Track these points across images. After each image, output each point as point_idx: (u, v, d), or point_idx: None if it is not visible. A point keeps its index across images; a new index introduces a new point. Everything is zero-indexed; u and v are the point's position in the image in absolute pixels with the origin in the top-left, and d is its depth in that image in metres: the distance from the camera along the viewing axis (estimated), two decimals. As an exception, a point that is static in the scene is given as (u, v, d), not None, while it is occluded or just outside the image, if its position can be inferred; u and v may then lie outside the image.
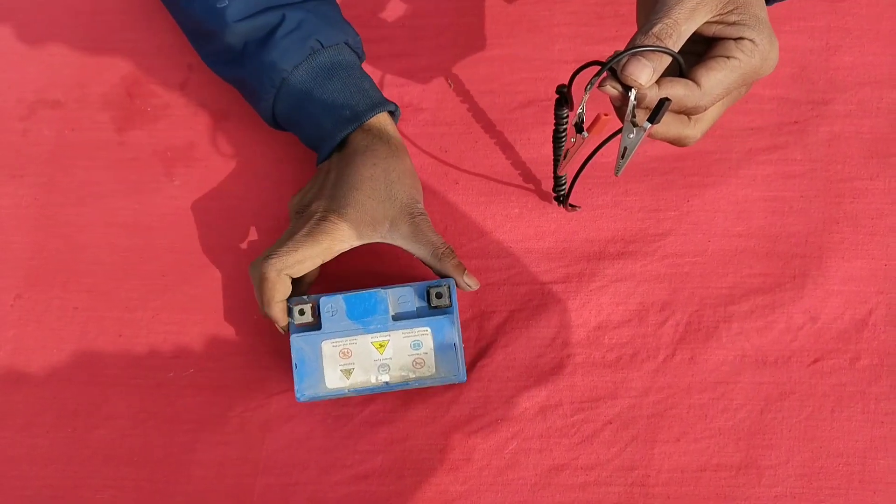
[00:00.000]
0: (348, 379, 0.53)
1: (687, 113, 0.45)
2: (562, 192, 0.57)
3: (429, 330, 0.53)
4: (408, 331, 0.53)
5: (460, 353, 0.53)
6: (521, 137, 0.61)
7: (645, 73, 0.42)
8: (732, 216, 0.59)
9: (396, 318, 0.54)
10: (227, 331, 0.59)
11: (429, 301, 0.54)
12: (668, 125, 0.45)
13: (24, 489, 0.56)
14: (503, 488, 0.55)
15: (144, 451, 0.57)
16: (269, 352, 0.58)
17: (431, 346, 0.53)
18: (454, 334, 0.53)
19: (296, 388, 0.53)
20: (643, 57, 0.42)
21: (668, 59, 0.43)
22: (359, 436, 0.56)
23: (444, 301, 0.54)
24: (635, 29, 0.64)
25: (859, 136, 0.60)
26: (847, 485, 0.54)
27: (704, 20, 0.43)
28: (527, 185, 0.60)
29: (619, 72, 0.42)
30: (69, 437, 0.57)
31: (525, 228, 0.60)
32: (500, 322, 0.58)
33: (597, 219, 0.59)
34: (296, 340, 0.53)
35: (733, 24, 0.43)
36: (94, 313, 0.59)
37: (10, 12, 0.66)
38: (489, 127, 0.62)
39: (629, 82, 0.42)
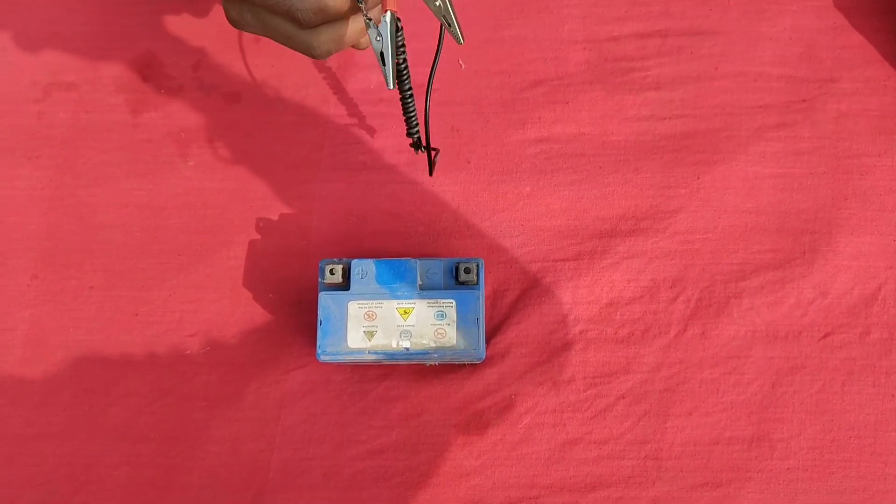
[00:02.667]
0: (370, 341, 0.53)
1: None
2: (416, 135, 0.54)
3: (454, 303, 0.54)
4: (433, 301, 0.54)
5: (482, 330, 0.54)
6: (532, 116, 0.62)
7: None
8: (742, 193, 0.60)
9: (423, 287, 0.54)
10: (242, 308, 0.59)
11: (457, 276, 0.55)
12: None
13: (40, 466, 0.57)
14: (517, 462, 0.55)
15: (160, 428, 0.57)
16: (285, 329, 0.58)
17: (455, 318, 0.54)
18: (479, 310, 0.54)
19: (318, 345, 0.53)
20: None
21: None
22: (374, 411, 0.56)
23: (472, 278, 0.54)
24: (647, 9, 0.64)
25: (867, 114, 0.61)
26: (858, 457, 0.55)
27: None
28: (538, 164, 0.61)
29: None
30: (84, 414, 0.57)
31: (537, 207, 0.60)
32: (513, 299, 0.58)
33: (608, 196, 0.60)
34: (323, 298, 0.54)
35: None
36: (109, 292, 0.60)
37: (23, -3, 0.67)
38: (500, 107, 0.62)
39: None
